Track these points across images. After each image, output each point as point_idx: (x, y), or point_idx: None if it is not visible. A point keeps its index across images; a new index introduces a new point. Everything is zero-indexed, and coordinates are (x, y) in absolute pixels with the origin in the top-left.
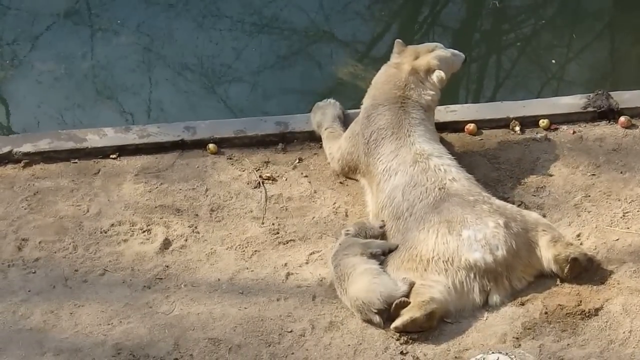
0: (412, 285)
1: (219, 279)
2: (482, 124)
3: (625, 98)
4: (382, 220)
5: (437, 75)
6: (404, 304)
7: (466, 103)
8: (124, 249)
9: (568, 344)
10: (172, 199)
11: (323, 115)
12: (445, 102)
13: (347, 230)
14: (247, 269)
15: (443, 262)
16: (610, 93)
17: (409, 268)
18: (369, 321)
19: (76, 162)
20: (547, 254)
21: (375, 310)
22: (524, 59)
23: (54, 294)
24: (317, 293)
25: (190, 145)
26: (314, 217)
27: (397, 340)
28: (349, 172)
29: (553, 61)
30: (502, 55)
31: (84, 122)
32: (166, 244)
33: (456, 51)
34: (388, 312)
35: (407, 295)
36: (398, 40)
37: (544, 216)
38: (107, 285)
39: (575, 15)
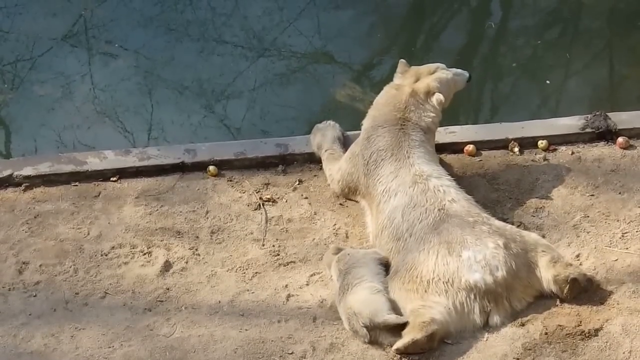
0: (402, 322)
1: (219, 301)
2: (481, 145)
3: (623, 119)
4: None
5: (437, 98)
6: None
7: (465, 124)
8: (125, 272)
9: None
10: (173, 221)
11: (323, 137)
12: (445, 124)
13: (338, 247)
14: (248, 290)
15: (443, 283)
16: (608, 114)
17: (409, 289)
18: (356, 333)
19: (76, 185)
20: (546, 275)
21: (362, 324)
22: (522, 80)
23: (54, 317)
24: (317, 315)
25: (190, 167)
26: (314, 239)
27: None
28: (349, 194)
29: (547, 82)
30: (501, 76)
31: (84, 145)
32: (167, 266)
33: (459, 70)
34: (375, 331)
35: (392, 326)
36: (402, 60)
37: (543, 237)
38: (108, 308)
39: (573, 36)
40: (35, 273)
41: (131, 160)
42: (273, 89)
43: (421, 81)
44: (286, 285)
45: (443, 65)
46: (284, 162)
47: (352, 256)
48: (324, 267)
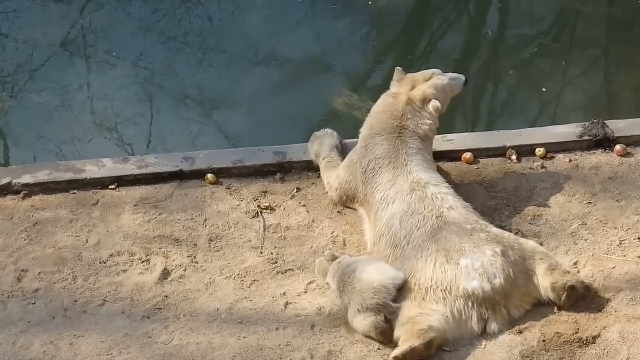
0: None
1: (218, 309)
2: (479, 153)
3: (620, 127)
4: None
5: (433, 105)
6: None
7: (463, 132)
8: (123, 280)
9: None
10: (171, 229)
11: (321, 145)
12: (442, 132)
13: (333, 255)
14: (246, 298)
15: (441, 290)
16: (606, 122)
17: (407, 297)
18: (383, 307)
19: (75, 193)
20: (544, 282)
21: (392, 291)
22: (520, 88)
23: (53, 325)
24: (315, 322)
25: (188, 175)
26: (312, 247)
27: None
28: (347, 201)
29: (544, 90)
30: (499, 84)
31: (83, 153)
32: (165, 274)
33: (455, 74)
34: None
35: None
36: (398, 68)
37: (541, 244)
38: (107, 316)
39: (571, 44)
40: (34, 281)
41: (130, 169)
42: (271, 97)
43: (417, 89)
44: (284, 293)
45: (439, 71)
46: (282, 170)
47: (351, 262)
48: (318, 274)
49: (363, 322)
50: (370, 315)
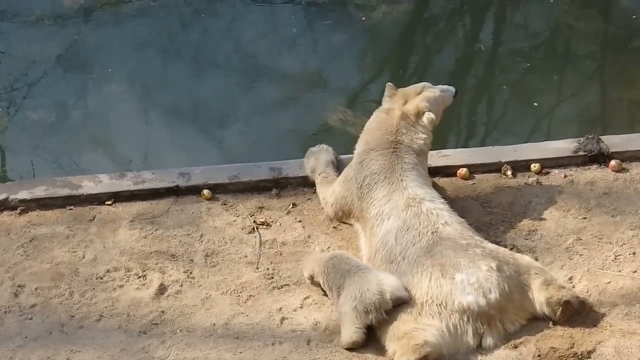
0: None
1: (214, 324)
2: (474, 169)
3: (615, 142)
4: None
5: (427, 117)
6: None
7: (458, 148)
8: (120, 295)
9: None
10: (167, 244)
11: (316, 160)
12: (437, 147)
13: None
14: (242, 313)
15: (437, 305)
16: (601, 137)
17: (403, 311)
18: (376, 309)
19: (72, 209)
20: (539, 297)
21: (387, 306)
22: (514, 103)
23: (50, 340)
24: (311, 337)
25: (184, 191)
26: None
27: None
28: (342, 217)
29: (535, 104)
30: (494, 99)
31: (79, 168)
32: (161, 289)
33: (445, 86)
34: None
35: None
36: (389, 84)
37: (536, 259)
38: (103, 331)
39: (565, 59)
40: (31, 296)
41: (126, 184)
42: (266, 113)
43: (410, 102)
44: (280, 308)
45: (429, 84)
46: (278, 186)
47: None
48: (304, 271)
49: (351, 315)
50: (362, 314)
